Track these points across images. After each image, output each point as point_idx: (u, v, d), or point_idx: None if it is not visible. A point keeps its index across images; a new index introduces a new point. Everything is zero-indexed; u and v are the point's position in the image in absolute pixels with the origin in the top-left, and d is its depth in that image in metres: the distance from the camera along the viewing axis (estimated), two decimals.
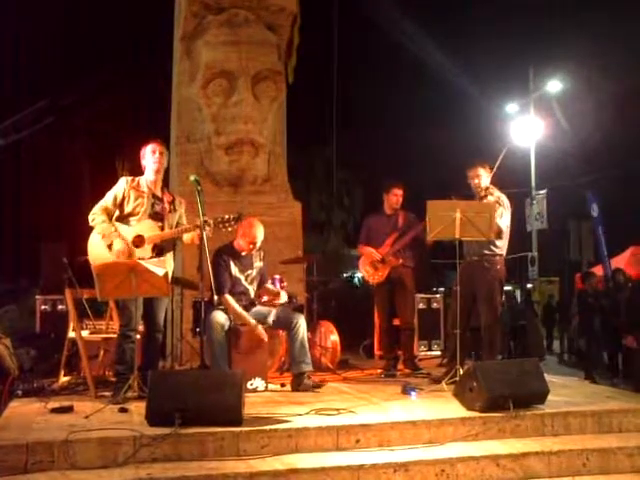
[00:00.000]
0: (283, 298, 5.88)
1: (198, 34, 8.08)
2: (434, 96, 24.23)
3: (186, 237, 5.37)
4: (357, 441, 4.29)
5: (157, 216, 5.34)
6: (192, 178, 5.27)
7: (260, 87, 7.98)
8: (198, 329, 5.79)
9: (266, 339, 5.65)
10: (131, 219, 5.29)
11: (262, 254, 6.02)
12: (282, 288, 6.68)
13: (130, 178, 5.41)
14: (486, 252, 5.93)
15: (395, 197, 6.80)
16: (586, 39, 21.99)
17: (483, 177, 6.03)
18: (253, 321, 5.67)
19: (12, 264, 14.13)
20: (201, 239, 5.09)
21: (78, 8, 15.72)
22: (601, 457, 4.42)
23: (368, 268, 6.76)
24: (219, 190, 7.92)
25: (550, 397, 4.95)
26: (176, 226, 5.41)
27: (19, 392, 5.34)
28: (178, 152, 8.21)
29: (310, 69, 11.94)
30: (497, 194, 6.04)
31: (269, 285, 6.16)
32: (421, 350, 8.06)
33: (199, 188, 5.18)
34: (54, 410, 4.66)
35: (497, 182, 6.17)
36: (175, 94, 8.60)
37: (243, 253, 5.87)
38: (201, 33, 8.05)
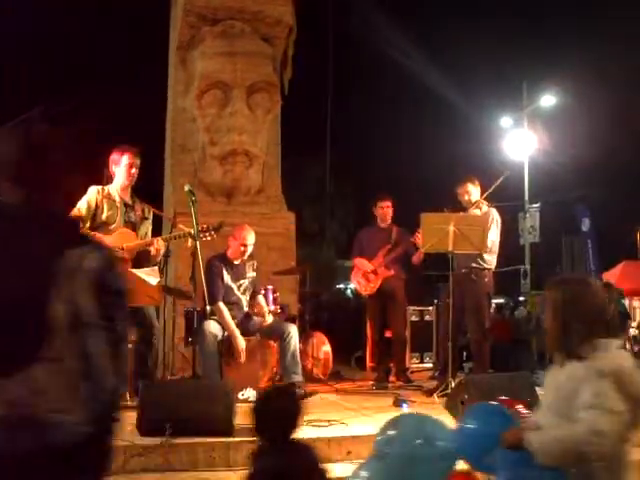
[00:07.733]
0: (269, 320, 5.85)
1: (194, 45, 8.10)
2: (428, 109, 24.37)
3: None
4: (348, 452, 4.29)
5: (131, 225, 5.30)
6: (186, 188, 5.27)
7: (255, 98, 8.00)
8: (190, 339, 5.77)
9: (243, 359, 5.56)
10: (106, 228, 5.18)
11: (255, 265, 6.00)
12: (274, 299, 6.68)
13: (100, 187, 5.31)
14: (473, 265, 5.94)
15: (382, 210, 6.81)
16: (581, 54, 22.18)
17: (472, 193, 6.07)
18: (241, 340, 5.60)
19: None
20: (195, 249, 5.09)
21: (76, 15, 15.78)
22: None
23: (360, 279, 6.78)
24: (213, 200, 7.91)
25: None
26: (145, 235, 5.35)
27: None
28: (172, 162, 8.21)
29: (306, 80, 12.00)
30: (485, 209, 6.06)
31: (261, 301, 6.07)
32: (413, 362, 8.05)
33: (193, 198, 5.18)
34: None
35: (490, 195, 6.21)
36: (170, 104, 8.61)
37: (236, 262, 5.86)
38: (197, 44, 8.07)
